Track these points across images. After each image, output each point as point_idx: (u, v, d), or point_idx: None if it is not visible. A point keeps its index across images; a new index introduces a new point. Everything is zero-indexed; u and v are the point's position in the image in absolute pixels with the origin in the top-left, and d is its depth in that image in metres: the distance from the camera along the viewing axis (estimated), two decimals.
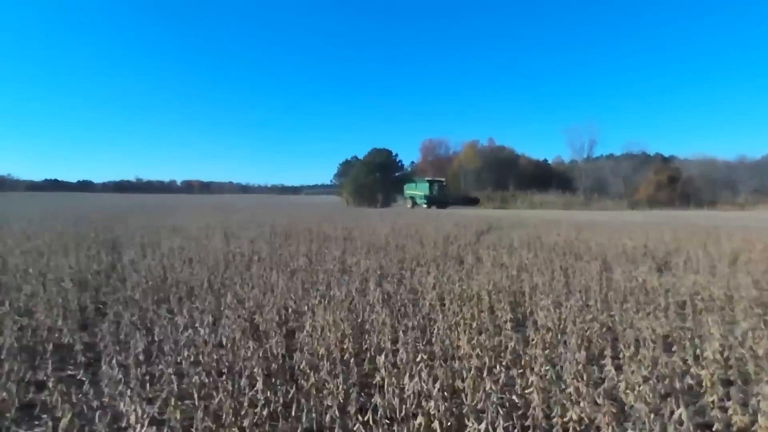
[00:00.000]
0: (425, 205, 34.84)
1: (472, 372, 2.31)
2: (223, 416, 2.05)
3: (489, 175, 48.76)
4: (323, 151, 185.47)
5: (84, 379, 2.37)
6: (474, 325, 3.29)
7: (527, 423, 2.00)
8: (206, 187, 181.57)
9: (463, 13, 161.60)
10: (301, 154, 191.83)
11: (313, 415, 2.12)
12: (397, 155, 57.56)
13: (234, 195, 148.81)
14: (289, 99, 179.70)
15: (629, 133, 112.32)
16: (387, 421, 2.04)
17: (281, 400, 2.20)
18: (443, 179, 40.33)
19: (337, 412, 2.04)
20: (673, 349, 2.85)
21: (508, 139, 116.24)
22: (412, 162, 57.35)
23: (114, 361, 2.49)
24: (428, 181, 37.63)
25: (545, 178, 46.52)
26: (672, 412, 1.80)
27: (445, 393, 2.19)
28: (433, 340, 2.94)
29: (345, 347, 2.89)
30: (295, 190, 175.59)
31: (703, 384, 2.32)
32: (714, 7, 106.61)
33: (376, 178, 54.71)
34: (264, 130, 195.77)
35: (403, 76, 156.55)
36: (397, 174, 57.77)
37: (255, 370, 2.36)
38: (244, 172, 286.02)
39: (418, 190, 37.45)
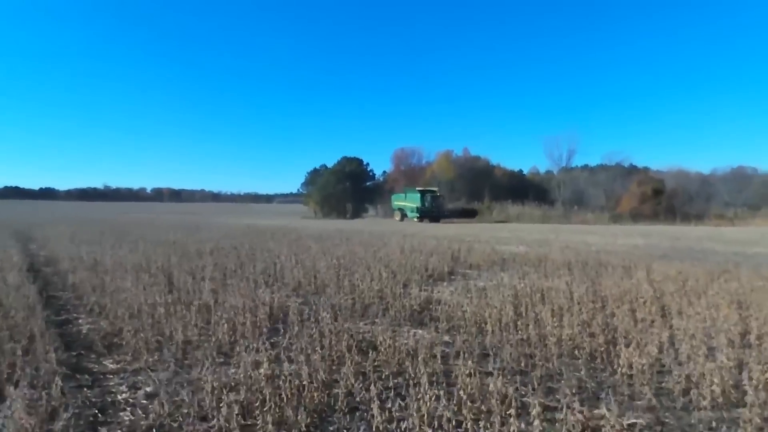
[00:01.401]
0: (417, 219, 31.52)
1: None
2: None
3: (463, 186, 46.72)
4: (296, 159, 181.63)
5: None
6: None
7: None
8: (177, 195, 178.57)
9: (437, 21, 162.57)
10: (274, 161, 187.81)
11: None
12: (368, 164, 55.06)
13: (205, 203, 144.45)
14: (261, 105, 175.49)
15: (604, 144, 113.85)
16: None
17: None
18: (436, 189, 36.65)
19: None
20: None
21: (483, 149, 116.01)
22: (384, 172, 54.91)
23: None
24: (419, 191, 34.00)
25: (521, 190, 44.79)
26: None
27: None
28: None
29: None
30: (268, 199, 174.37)
31: None
32: (690, 22, 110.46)
33: (346, 188, 52.09)
34: (237, 137, 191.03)
35: (375, 84, 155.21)
36: (368, 184, 55.31)
37: None
38: (216, 180, 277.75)
39: (408, 201, 33.86)
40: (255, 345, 3.04)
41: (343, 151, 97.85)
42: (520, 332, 3.55)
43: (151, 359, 3.05)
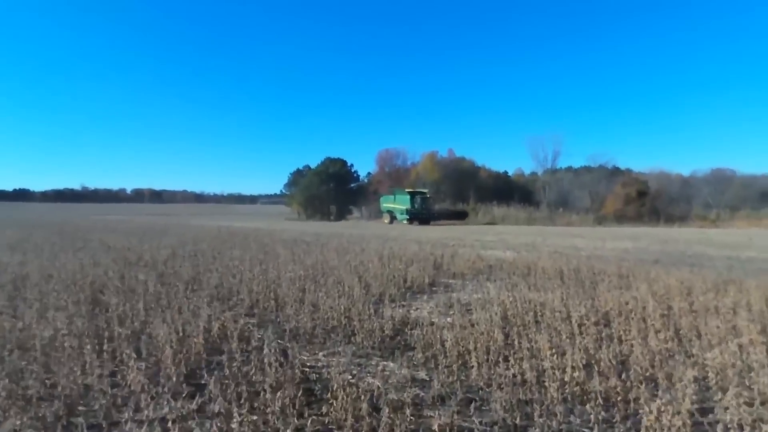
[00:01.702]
0: (406, 221, 30.62)
1: None
2: None
3: (448, 187, 46.37)
4: (282, 159, 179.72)
5: None
6: None
7: None
8: (158, 196, 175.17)
9: (422, 22, 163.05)
10: (259, 161, 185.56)
11: None
12: (352, 165, 54.31)
13: (187, 204, 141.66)
14: (244, 105, 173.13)
15: (589, 146, 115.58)
16: None
17: None
18: (426, 190, 35.74)
19: None
20: None
21: (469, 150, 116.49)
22: (369, 173, 54.21)
23: None
24: (409, 192, 33.01)
25: (506, 191, 44.65)
26: None
27: None
28: None
29: None
30: (252, 200, 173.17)
31: None
32: (671, 26, 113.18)
33: (330, 189, 51.24)
34: (221, 137, 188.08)
35: (360, 85, 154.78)
36: (352, 185, 54.55)
37: None
38: (199, 181, 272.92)
39: (397, 203, 32.87)
40: (158, 403, 2.28)
41: (328, 152, 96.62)
42: (511, 367, 2.88)
43: None
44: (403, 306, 4.74)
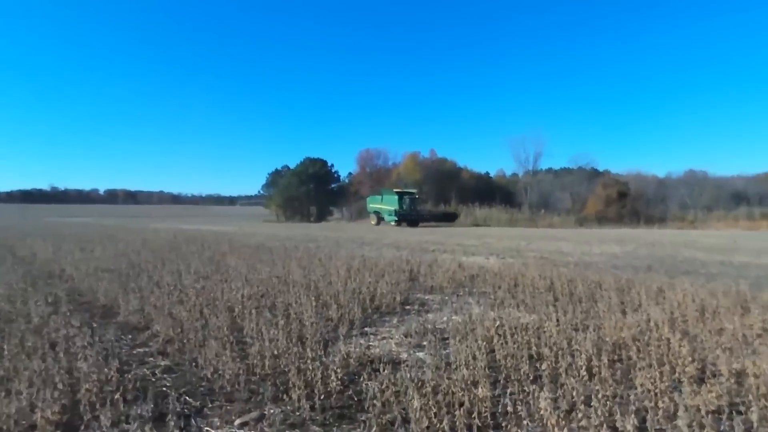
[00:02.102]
0: (394, 222, 29.31)
1: None
2: None
3: (430, 188, 45.80)
4: (262, 160, 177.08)
5: None
6: None
7: None
8: (132, 197, 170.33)
9: (402, 22, 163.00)
10: (239, 162, 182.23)
11: None
12: (332, 166, 53.26)
13: (162, 206, 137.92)
14: (223, 103, 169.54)
15: (570, 147, 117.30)
16: None
17: None
18: (415, 191, 34.53)
19: None
20: None
21: (450, 151, 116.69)
22: (350, 173, 53.21)
23: None
24: (397, 193, 31.64)
25: (488, 192, 44.33)
26: None
27: None
28: None
29: None
30: (231, 201, 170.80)
31: None
32: (651, 28, 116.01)
33: (309, 190, 50.07)
34: (199, 136, 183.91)
35: (341, 84, 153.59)
36: (333, 186, 53.49)
37: None
38: (177, 182, 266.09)
39: (384, 203, 31.53)
40: None
41: (308, 152, 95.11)
42: None
43: None
44: (366, 335, 3.82)
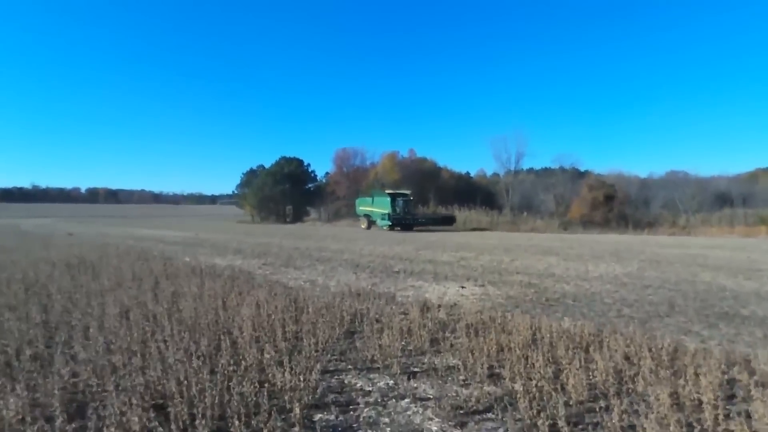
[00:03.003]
0: (387, 227, 26.60)
1: None
2: None
3: (409, 189, 43.94)
4: (242, 158, 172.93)
5: None
6: None
7: None
8: (113, 196, 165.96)
9: (381, 21, 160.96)
10: (220, 160, 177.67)
11: None
12: (309, 165, 50.95)
13: (143, 205, 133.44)
14: (203, 102, 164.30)
15: (552, 147, 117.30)
16: None
17: None
18: (408, 192, 31.29)
19: None
20: None
21: (430, 151, 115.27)
22: (327, 173, 50.95)
23: None
24: (390, 194, 28.72)
25: (468, 193, 42.74)
26: None
27: None
28: None
29: None
30: (213, 200, 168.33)
31: None
32: (633, 29, 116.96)
33: (285, 190, 47.67)
34: (181, 135, 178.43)
35: (318, 83, 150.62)
36: (310, 186, 51.23)
37: None
38: (159, 180, 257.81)
39: (375, 206, 28.72)
40: None
41: (286, 151, 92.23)
42: None
43: None
44: None
